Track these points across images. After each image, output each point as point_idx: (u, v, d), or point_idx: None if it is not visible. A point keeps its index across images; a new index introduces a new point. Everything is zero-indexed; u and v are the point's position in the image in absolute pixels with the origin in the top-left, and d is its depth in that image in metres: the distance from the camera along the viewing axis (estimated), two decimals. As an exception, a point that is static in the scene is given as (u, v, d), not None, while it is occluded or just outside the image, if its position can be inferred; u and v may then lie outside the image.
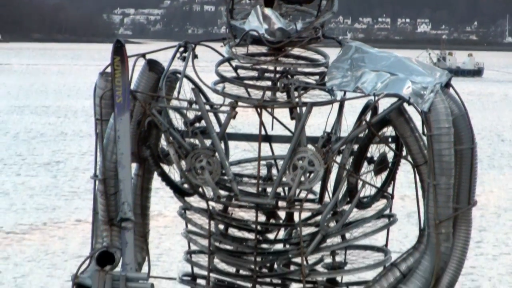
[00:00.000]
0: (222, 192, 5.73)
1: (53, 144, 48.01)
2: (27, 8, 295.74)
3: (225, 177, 5.67)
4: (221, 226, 5.80)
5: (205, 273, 5.82)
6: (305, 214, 5.73)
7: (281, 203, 5.72)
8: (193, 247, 5.96)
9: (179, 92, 5.75)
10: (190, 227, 5.87)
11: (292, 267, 5.74)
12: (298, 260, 5.70)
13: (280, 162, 5.64)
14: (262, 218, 5.76)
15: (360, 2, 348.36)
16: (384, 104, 5.62)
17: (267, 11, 5.57)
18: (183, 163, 5.69)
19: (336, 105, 5.66)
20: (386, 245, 5.80)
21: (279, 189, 5.71)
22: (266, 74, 5.73)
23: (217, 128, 5.72)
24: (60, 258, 22.44)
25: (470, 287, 19.93)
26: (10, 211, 29.50)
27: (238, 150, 6.04)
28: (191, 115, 5.74)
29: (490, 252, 24.31)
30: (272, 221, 5.83)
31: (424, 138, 5.62)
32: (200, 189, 5.74)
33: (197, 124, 5.74)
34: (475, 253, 24.26)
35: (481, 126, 56.84)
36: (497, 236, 26.78)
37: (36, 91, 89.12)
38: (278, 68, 5.72)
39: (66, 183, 35.07)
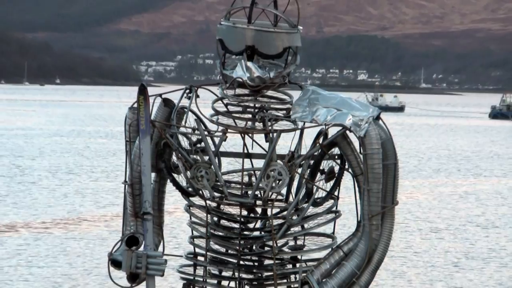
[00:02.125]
0: (216, 194, 5.74)
1: (104, 158, 47.79)
2: (78, 59, 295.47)
3: (218, 183, 5.69)
4: (215, 218, 5.80)
5: (203, 252, 5.83)
6: (275, 210, 5.74)
7: (258, 202, 5.72)
8: (195, 233, 5.95)
9: (185, 122, 5.76)
10: (193, 219, 5.86)
11: (266, 248, 5.74)
12: (270, 243, 5.70)
13: (258, 173, 5.66)
14: (244, 212, 5.78)
15: (316, 57, 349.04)
16: (332, 131, 5.64)
17: (249, 63, 5.61)
18: (188, 173, 5.70)
19: (298, 132, 5.67)
20: (333, 232, 5.80)
21: (257, 192, 5.72)
22: (248, 109, 5.75)
23: (212, 148, 5.74)
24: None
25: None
26: (81, 205, 29.28)
27: (227, 163, 6.05)
28: (194, 138, 5.76)
29: (416, 231, 24.22)
30: (252, 215, 5.84)
31: (361, 156, 5.63)
32: (200, 192, 5.74)
33: (198, 145, 5.76)
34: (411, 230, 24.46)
35: (409, 147, 56.72)
36: (421, 222, 26.73)
37: (86, 120, 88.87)
38: (256, 105, 5.73)
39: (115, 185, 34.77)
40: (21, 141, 57.96)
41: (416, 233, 25.51)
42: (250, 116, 5.74)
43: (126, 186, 5.83)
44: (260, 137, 5.75)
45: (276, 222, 5.70)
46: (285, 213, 5.69)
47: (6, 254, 20.55)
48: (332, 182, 5.73)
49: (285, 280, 5.72)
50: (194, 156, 5.72)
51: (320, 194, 5.73)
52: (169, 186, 6.15)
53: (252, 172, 5.78)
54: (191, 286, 5.83)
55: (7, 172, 38.84)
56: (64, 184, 35.38)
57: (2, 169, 40.22)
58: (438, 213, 30.48)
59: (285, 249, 5.77)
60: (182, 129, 5.77)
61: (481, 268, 20.68)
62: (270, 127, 5.66)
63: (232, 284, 5.77)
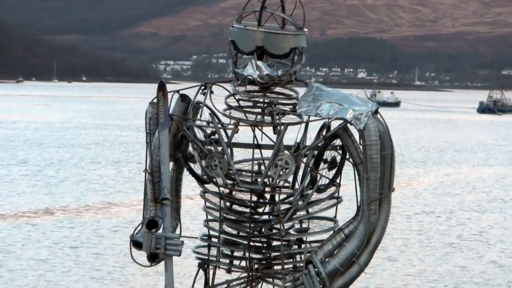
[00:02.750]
0: (228, 181, 5.74)
1: (128, 148, 47.79)
2: (102, 59, 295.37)
3: (230, 171, 5.69)
4: (228, 203, 5.80)
5: (217, 234, 5.83)
6: (282, 196, 5.74)
7: (267, 189, 5.73)
8: (209, 217, 5.95)
9: (200, 116, 5.76)
10: (207, 204, 5.86)
11: (274, 231, 5.74)
12: (277, 226, 5.70)
13: (266, 162, 5.66)
14: (254, 198, 5.77)
15: (320, 57, 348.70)
16: (334, 124, 5.64)
17: (259, 62, 5.61)
18: (203, 162, 5.70)
19: (303, 125, 5.67)
20: (335, 216, 5.80)
21: (266, 180, 5.72)
22: (258, 104, 5.75)
23: (225, 139, 5.74)
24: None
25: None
26: (103, 191, 29.26)
27: (239, 154, 6.05)
28: (208, 130, 5.76)
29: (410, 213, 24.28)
30: (261, 200, 5.85)
31: (360, 147, 5.63)
32: (214, 179, 5.74)
33: (212, 137, 5.76)
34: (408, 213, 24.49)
35: (404, 139, 56.68)
36: (418, 206, 26.74)
37: (110, 114, 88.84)
38: (265, 100, 5.73)
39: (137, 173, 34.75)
40: (63, 133, 58.03)
41: (413, 217, 25.49)
42: (259, 110, 5.74)
43: (147, 174, 5.84)
44: (268, 130, 5.75)
45: (283, 207, 5.71)
46: (291, 198, 5.69)
47: (48, 233, 20.60)
48: (334, 171, 5.73)
49: (291, 260, 5.73)
50: (209, 147, 5.72)
51: (323, 181, 5.72)
52: (186, 174, 6.15)
53: (262, 161, 5.78)
54: (206, 266, 5.83)
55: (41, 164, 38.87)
56: (94, 171, 35.43)
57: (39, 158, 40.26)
58: (434, 199, 30.44)
59: (291, 231, 5.77)
60: (198, 122, 5.78)
61: (474, 248, 20.67)
62: (278, 121, 5.67)
63: (243, 263, 5.77)
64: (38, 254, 18.35)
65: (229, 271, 5.77)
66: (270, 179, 5.63)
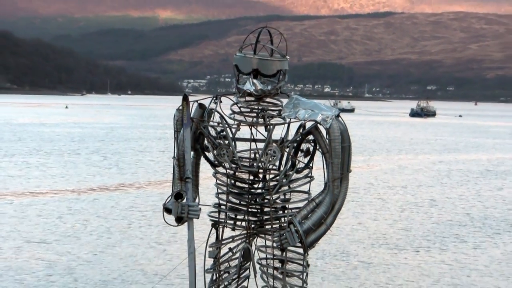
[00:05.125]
0: (233, 165, 5.71)
1: (162, 141, 47.78)
2: (143, 78, 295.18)
3: (234, 158, 5.66)
4: (232, 181, 5.77)
5: (224, 203, 5.80)
6: (271, 176, 5.70)
7: (260, 170, 5.69)
8: (219, 191, 5.91)
9: (213, 118, 5.73)
10: (217, 181, 5.83)
11: (265, 201, 5.72)
12: (268, 197, 5.68)
13: (260, 151, 5.64)
14: (251, 177, 5.74)
15: (297, 77, 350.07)
16: (308, 124, 5.60)
17: (254, 80, 5.58)
18: (214, 151, 5.67)
19: (286, 125, 5.64)
20: (309, 190, 5.77)
21: (260, 164, 5.69)
22: (254, 110, 5.71)
23: (230, 135, 5.70)
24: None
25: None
26: (141, 174, 29.21)
27: (240, 146, 6.04)
28: (218, 129, 5.73)
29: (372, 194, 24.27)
30: (256, 179, 5.81)
31: (327, 140, 5.59)
32: (223, 164, 5.72)
33: (221, 133, 5.73)
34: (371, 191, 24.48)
35: (359, 135, 56.88)
36: (373, 184, 26.66)
37: (149, 118, 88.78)
38: (259, 107, 5.70)
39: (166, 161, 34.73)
40: (117, 131, 58.16)
41: (374, 190, 25.44)
42: (255, 114, 5.70)
43: (174, 160, 5.81)
44: (261, 129, 5.71)
45: (272, 183, 5.67)
46: (278, 177, 5.66)
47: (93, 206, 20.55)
48: (308, 158, 5.70)
49: (278, 221, 5.70)
50: (219, 141, 5.69)
51: (301, 165, 5.69)
52: (203, 160, 6.13)
53: (256, 151, 5.75)
54: (217, 225, 5.81)
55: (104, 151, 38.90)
56: (138, 157, 35.45)
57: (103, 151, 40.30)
58: (390, 177, 30.49)
59: (278, 201, 5.74)
60: (211, 123, 5.74)
61: (423, 213, 20.72)
62: (268, 122, 5.64)
63: (243, 224, 5.75)
64: (107, 220, 18.30)
65: (233, 229, 5.74)
66: (262, 163, 5.60)
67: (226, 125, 5.65)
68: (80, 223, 17.36)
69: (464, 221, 19.71)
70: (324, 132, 5.57)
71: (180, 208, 5.59)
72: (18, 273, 12.21)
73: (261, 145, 5.63)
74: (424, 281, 12.97)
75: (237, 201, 5.72)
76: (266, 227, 5.67)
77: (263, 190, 5.67)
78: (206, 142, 5.76)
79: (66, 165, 30.98)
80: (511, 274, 13.68)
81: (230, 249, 5.75)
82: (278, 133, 5.58)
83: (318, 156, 5.58)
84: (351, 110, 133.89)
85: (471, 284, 12.89)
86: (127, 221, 17.76)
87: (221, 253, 5.75)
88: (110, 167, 30.78)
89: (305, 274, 5.64)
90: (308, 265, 5.67)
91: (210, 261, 5.60)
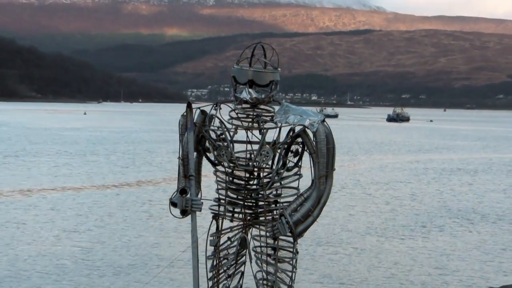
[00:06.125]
0: (231, 164, 5.69)
1: (169, 143, 47.70)
2: (152, 88, 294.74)
3: (232, 158, 5.65)
4: (230, 178, 5.76)
5: (223, 197, 5.78)
6: (265, 174, 5.69)
7: (255, 169, 5.67)
8: (219, 187, 5.89)
9: (213, 123, 5.72)
10: (217, 178, 5.81)
11: (259, 195, 5.70)
12: (262, 192, 5.67)
13: (255, 152, 5.63)
14: (247, 175, 5.73)
15: (288, 86, 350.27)
16: (298, 128, 5.60)
17: (250, 89, 5.56)
18: (215, 152, 5.66)
19: (278, 129, 5.63)
20: (298, 186, 5.76)
21: (255, 163, 5.67)
22: (249, 116, 5.70)
23: (229, 138, 5.69)
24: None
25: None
26: (153, 172, 29.16)
27: (237, 147, 6.05)
28: (218, 132, 5.72)
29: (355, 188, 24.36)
30: (251, 176, 5.79)
31: (314, 142, 5.59)
32: (222, 163, 5.70)
33: (221, 136, 5.71)
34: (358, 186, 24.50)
35: (341, 137, 57.06)
36: (357, 180, 26.68)
37: (157, 122, 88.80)
38: (254, 113, 5.69)
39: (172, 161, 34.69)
40: (130, 134, 58.09)
41: (358, 188, 25.47)
42: (250, 119, 5.69)
43: (179, 159, 5.80)
44: (256, 132, 5.71)
45: (265, 180, 5.66)
46: (270, 175, 5.65)
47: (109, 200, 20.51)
48: (297, 158, 5.69)
49: (270, 213, 5.69)
50: (219, 143, 5.68)
51: (291, 164, 5.68)
52: (204, 160, 6.13)
53: (252, 152, 5.74)
54: (217, 217, 5.80)
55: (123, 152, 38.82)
56: (146, 157, 35.38)
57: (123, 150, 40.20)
58: (372, 174, 30.56)
59: (271, 196, 5.72)
60: (212, 127, 5.73)
61: (405, 205, 20.83)
62: (262, 126, 5.63)
63: (240, 216, 5.74)
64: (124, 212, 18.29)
65: (231, 220, 5.73)
66: (257, 163, 5.59)
67: (225, 129, 5.64)
68: (106, 214, 17.43)
69: (441, 212, 19.80)
70: (311, 135, 5.56)
71: (185, 202, 5.57)
72: (58, 259, 12.29)
73: (256, 147, 5.62)
74: (410, 264, 13.04)
75: (235, 196, 5.71)
76: (260, 218, 5.66)
77: (258, 186, 5.66)
78: (207, 144, 5.74)
79: (88, 164, 31.01)
80: (485, 258, 13.77)
81: (229, 238, 5.74)
82: (270, 136, 5.59)
83: (306, 156, 5.59)
84: (335, 116, 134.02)
85: (451, 266, 12.97)
86: (147, 213, 17.81)
87: (221, 242, 5.74)
88: (127, 166, 30.82)
89: (294, 260, 5.63)
90: (297, 252, 5.66)
91: (211, 249, 5.61)
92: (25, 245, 13.28)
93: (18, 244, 13.37)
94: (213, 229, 5.77)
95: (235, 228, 5.70)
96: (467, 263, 13.28)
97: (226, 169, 5.65)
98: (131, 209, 18.46)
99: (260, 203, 5.65)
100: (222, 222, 5.75)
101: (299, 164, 5.66)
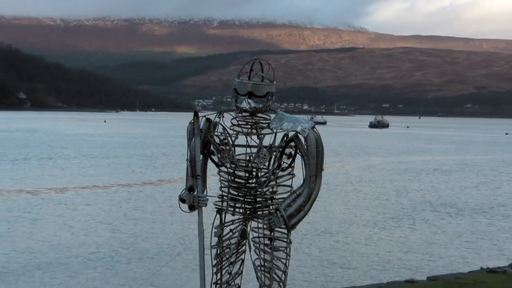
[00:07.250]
0: (233, 165, 5.68)
1: (179, 147, 47.58)
2: (164, 99, 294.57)
3: (234, 160, 5.64)
4: (232, 177, 5.75)
5: (226, 194, 5.78)
6: (262, 173, 5.68)
7: (254, 169, 5.66)
8: (222, 185, 5.88)
9: (217, 129, 5.72)
10: (221, 177, 5.81)
11: (258, 193, 5.69)
12: (260, 190, 5.66)
13: (254, 154, 5.62)
14: (247, 175, 5.72)
15: (282, 97, 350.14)
16: (291, 134, 5.60)
17: (249, 100, 5.56)
18: (218, 155, 5.65)
19: (273, 134, 5.63)
20: (291, 184, 5.75)
21: (253, 164, 5.66)
22: (249, 123, 5.70)
23: (231, 142, 5.68)
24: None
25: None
26: (162, 171, 29.06)
27: (238, 151, 6.05)
28: (221, 137, 5.71)
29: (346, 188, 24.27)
30: (250, 175, 5.78)
31: (305, 146, 5.58)
32: (225, 164, 5.70)
33: (224, 141, 5.70)
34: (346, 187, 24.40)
35: (330, 142, 57.02)
36: (348, 179, 26.69)
37: (169, 129, 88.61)
38: (253, 121, 5.68)
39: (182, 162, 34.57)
40: (145, 140, 58.01)
41: (349, 185, 25.41)
42: (250, 126, 5.69)
43: (187, 161, 5.79)
44: (254, 137, 5.70)
45: (263, 179, 5.65)
46: (267, 175, 5.64)
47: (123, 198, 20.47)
48: (291, 159, 5.69)
49: (267, 208, 5.69)
50: (222, 147, 5.67)
51: (285, 165, 5.67)
52: (209, 162, 6.12)
53: (251, 154, 5.74)
54: (220, 211, 5.79)
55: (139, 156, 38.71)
56: (156, 160, 35.32)
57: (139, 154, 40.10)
58: (359, 173, 30.51)
59: (267, 193, 5.71)
60: (216, 133, 5.73)
61: (392, 200, 20.75)
62: (260, 132, 5.62)
63: (241, 211, 5.73)
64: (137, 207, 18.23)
65: (233, 214, 5.73)
66: (255, 164, 5.58)
67: (227, 135, 5.63)
68: (135, 208, 17.43)
69: (423, 206, 19.80)
70: (303, 139, 5.56)
71: (192, 198, 5.56)
72: (96, 248, 12.31)
73: (254, 150, 5.61)
74: (399, 251, 13.05)
75: (236, 193, 5.71)
76: (258, 213, 5.66)
77: (256, 184, 5.65)
78: (212, 147, 5.74)
79: (112, 165, 30.98)
80: (465, 245, 13.80)
81: (231, 230, 5.74)
82: (267, 140, 5.59)
83: (298, 158, 5.59)
84: (324, 123, 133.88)
85: (437, 253, 13.02)
86: (171, 208, 17.79)
87: (224, 233, 5.73)
88: (147, 167, 30.76)
89: (288, 249, 5.63)
90: (291, 242, 5.65)
91: (215, 239, 5.60)
92: (68, 234, 13.34)
93: (62, 233, 13.43)
94: (217, 222, 5.77)
95: (236, 221, 5.70)
96: (450, 249, 13.35)
97: (228, 169, 5.65)
98: (155, 204, 18.50)
99: (258, 199, 5.64)
100: (225, 216, 5.75)
101: (292, 165, 5.66)
